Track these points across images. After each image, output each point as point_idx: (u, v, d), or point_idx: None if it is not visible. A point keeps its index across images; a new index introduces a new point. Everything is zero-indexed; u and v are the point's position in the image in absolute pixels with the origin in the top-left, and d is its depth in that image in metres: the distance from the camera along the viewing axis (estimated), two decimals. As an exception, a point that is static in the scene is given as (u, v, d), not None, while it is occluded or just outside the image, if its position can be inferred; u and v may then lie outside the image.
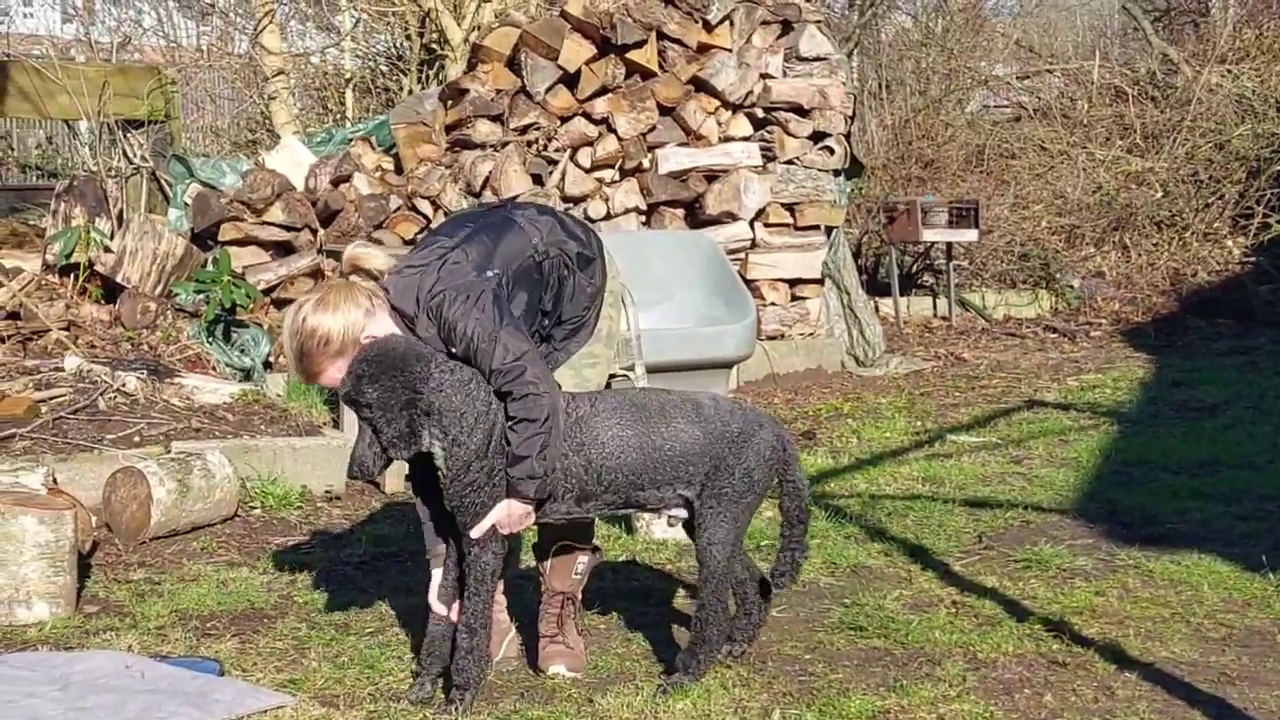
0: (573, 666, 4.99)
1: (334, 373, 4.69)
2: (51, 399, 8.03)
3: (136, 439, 7.62)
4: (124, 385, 8.23)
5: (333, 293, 4.72)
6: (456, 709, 4.54)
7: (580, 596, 5.20)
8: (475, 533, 4.59)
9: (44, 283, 10.05)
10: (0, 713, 4.50)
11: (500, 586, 4.98)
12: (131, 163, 11.89)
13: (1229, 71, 17.08)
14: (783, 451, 4.84)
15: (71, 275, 10.16)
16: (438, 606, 4.79)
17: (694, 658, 4.75)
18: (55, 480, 6.57)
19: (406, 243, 10.38)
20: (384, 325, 4.70)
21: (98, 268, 10.11)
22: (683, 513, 4.88)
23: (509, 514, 4.61)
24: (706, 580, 4.74)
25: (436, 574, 4.82)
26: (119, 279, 10.06)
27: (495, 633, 4.98)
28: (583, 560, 5.16)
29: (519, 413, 4.52)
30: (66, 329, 9.43)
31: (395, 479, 7.61)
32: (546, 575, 5.18)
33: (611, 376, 7.44)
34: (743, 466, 4.72)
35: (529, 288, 4.82)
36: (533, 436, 4.51)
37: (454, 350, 4.61)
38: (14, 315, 9.40)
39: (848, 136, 12.11)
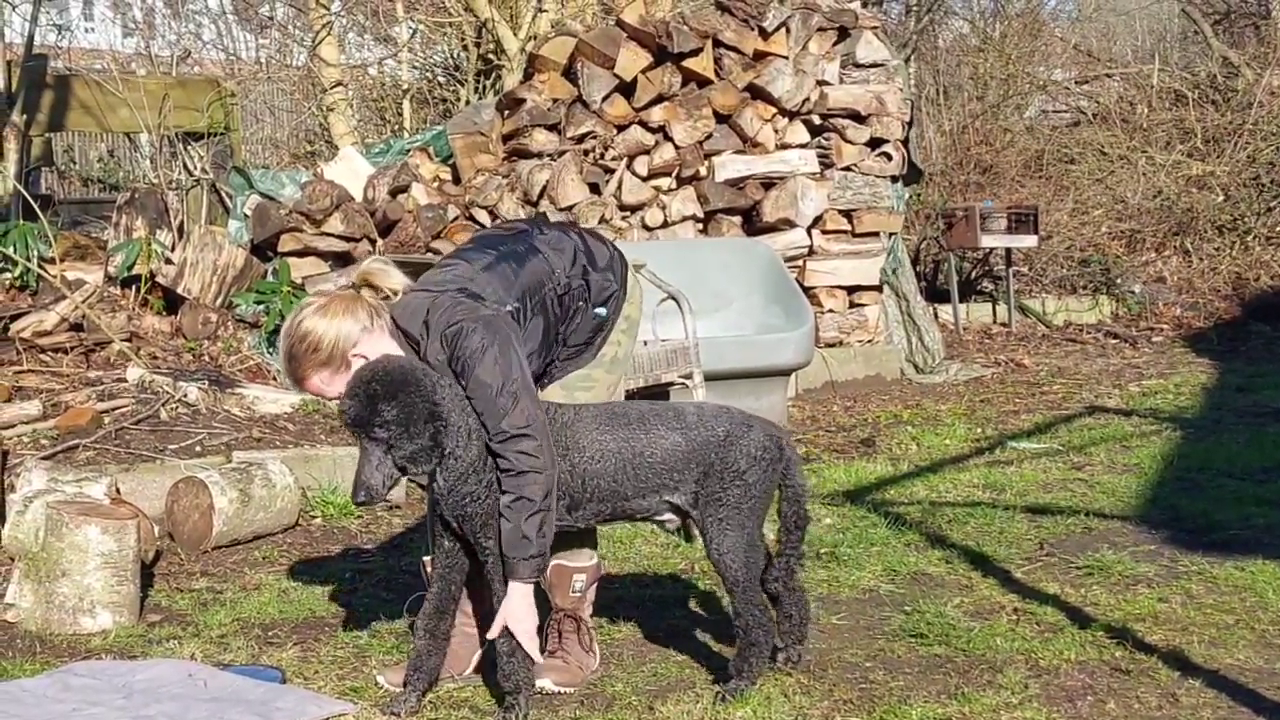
0: (560, 680, 4.86)
1: (317, 382, 4.61)
2: (114, 410, 8.11)
3: (198, 449, 7.68)
4: (185, 396, 8.29)
5: (336, 301, 4.64)
6: (515, 713, 4.52)
7: (588, 613, 5.11)
8: (491, 634, 4.53)
9: (106, 294, 10.13)
10: (65, 721, 4.54)
11: (470, 606, 4.94)
12: (192, 175, 11.98)
13: (1290, 74, 16.97)
14: (778, 453, 4.79)
15: (133, 287, 10.25)
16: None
17: (745, 661, 4.75)
18: (118, 490, 6.61)
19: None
20: (379, 345, 4.60)
21: (159, 279, 10.19)
22: (675, 519, 4.89)
23: (514, 612, 4.49)
24: (732, 589, 4.74)
25: (434, 589, 4.77)
26: (180, 290, 10.14)
27: (466, 647, 4.97)
28: (579, 578, 5.07)
29: (516, 489, 4.41)
30: (129, 340, 9.50)
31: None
32: (549, 591, 5.10)
33: (669, 385, 7.45)
34: (733, 469, 4.69)
35: (546, 318, 4.74)
36: (532, 516, 4.41)
37: (462, 384, 4.49)
38: (77, 327, 9.49)
39: (905, 142, 12.08)
